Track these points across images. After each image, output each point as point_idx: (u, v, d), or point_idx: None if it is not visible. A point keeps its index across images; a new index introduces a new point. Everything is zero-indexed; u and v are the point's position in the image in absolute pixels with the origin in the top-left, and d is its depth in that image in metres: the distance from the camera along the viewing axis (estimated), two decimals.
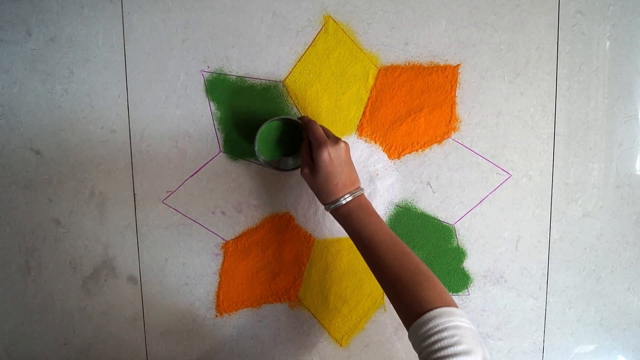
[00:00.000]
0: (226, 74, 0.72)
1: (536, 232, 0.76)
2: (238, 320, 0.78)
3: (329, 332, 0.78)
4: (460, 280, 0.77)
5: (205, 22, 0.71)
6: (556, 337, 0.78)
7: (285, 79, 0.73)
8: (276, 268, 0.76)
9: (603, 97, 0.73)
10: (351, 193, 0.63)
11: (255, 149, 0.68)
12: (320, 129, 0.64)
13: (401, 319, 0.57)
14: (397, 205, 0.75)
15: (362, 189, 0.65)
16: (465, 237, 0.76)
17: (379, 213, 0.75)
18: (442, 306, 0.52)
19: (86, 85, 0.72)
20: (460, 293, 0.77)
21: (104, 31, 0.71)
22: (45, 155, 0.74)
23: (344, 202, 0.62)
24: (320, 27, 0.72)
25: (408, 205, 0.75)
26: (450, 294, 0.76)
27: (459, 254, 0.76)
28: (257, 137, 0.68)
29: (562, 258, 0.77)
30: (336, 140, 0.63)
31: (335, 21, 0.72)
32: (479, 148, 0.74)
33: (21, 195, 0.74)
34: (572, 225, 0.76)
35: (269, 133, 0.70)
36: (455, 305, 0.54)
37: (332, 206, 0.63)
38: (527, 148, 0.74)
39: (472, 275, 0.77)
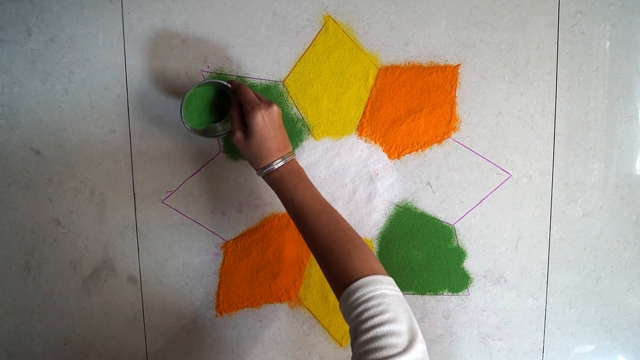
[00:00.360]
0: (226, 74, 0.72)
1: (536, 232, 0.76)
2: (238, 320, 0.78)
3: (329, 332, 0.78)
4: (460, 280, 0.77)
5: (205, 22, 0.71)
6: (556, 337, 0.78)
7: (285, 79, 0.73)
8: (276, 268, 0.76)
9: (603, 97, 0.73)
10: (283, 158, 0.63)
11: (182, 116, 0.65)
12: (252, 92, 0.63)
13: (332, 289, 0.57)
14: (397, 205, 0.75)
15: (293, 154, 0.64)
16: (465, 237, 0.76)
17: (379, 213, 0.75)
18: (369, 274, 0.52)
19: (86, 85, 0.72)
20: (460, 293, 0.77)
21: (104, 31, 0.71)
22: (45, 155, 0.74)
23: (276, 166, 0.62)
24: (320, 27, 0.72)
25: (408, 205, 0.75)
26: (451, 293, 0.77)
27: (459, 254, 0.76)
28: (183, 103, 0.65)
29: (562, 258, 0.77)
30: (269, 103, 0.62)
31: (335, 21, 0.72)
32: (479, 148, 0.74)
33: (21, 195, 0.74)
34: (572, 225, 0.76)
35: (195, 100, 0.67)
36: (383, 273, 0.54)
37: (265, 171, 0.63)
38: (527, 148, 0.74)
39: (472, 275, 0.77)
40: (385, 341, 0.47)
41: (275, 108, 0.62)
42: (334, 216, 0.60)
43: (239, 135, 0.62)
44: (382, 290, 0.51)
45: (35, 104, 0.73)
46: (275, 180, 0.62)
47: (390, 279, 0.53)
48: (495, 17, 0.72)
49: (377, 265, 0.55)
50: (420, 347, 0.48)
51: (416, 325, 0.50)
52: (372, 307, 0.49)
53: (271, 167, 0.62)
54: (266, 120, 0.61)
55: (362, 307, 0.50)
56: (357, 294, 0.51)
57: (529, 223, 0.76)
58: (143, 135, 0.73)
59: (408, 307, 0.51)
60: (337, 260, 0.55)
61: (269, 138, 0.61)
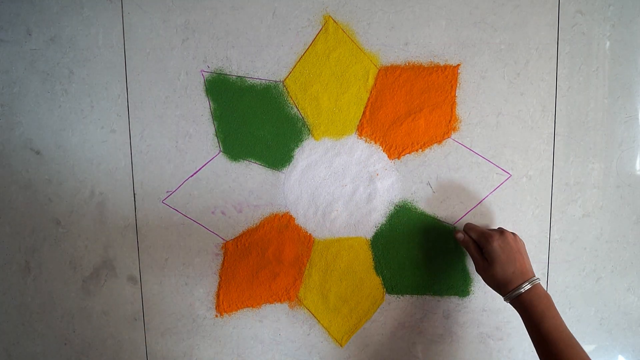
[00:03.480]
0: (226, 74, 0.72)
1: (536, 232, 0.76)
2: (238, 320, 0.78)
3: (329, 332, 0.78)
4: (460, 280, 0.76)
5: (205, 22, 0.71)
6: None
7: (285, 79, 0.73)
8: (276, 268, 0.76)
9: (603, 97, 0.73)
10: (530, 281, 0.64)
11: None
12: (479, 226, 0.70)
13: None
14: (397, 205, 0.75)
15: (538, 279, 0.66)
16: None
17: (379, 213, 0.75)
18: None
19: (86, 85, 0.72)
20: (459, 295, 0.77)
21: (104, 31, 0.71)
22: (45, 155, 0.74)
23: (523, 290, 0.63)
24: (320, 27, 0.72)
25: (408, 205, 0.75)
26: (450, 295, 0.77)
27: (459, 254, 0.76)
28: None
29: (562, 258, 0.77)
30: (500, 231, 0.67)
31: (335, 21, 0.72)
32: (479, 148, 0.74)
33: (21, 195, 0.74)
34: (572, 225, 0.76)
35: None
36: None
37: (513, 294, 0.64)
38: (527, 148, 0.74)
39: (472, 275, 0.77)
40: None
41: (507, 234, 0.67)
42: (579, 352, 0.59)
43: (482, 265, 0.67)
44: None
45: (35, 104, 0.73)
46: (523, 304, 0.63)
47: None
48: (495, 17, 0.72)
49: None
50: None
51: None
52: None
53: (518, 291, 0.64)
54: (502, 246, 0.66)
55: None
56: None
57: (529, 223, 0.76)
58: (143, 135, 0.73)
59: None
60: None
61: (510, 262, 0.65)
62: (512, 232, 0.68)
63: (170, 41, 0.72)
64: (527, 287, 0.64)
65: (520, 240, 0.69)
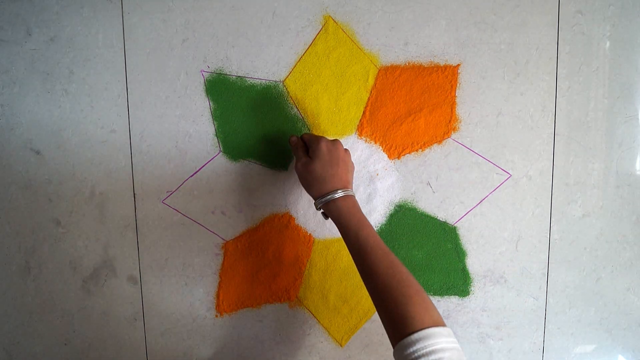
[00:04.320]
0: (226, 74, 0.72)
1: (536, 232, 0.76)
2: (238, 320, 0.78)
3: (329, 332, 0.78)
4: (460, 280, 0.77)
5: (205, 22, 0.71)
6: (556, 337, 0.78)
7: (285, 79, 0.73)
8: (276, 268, 0.76)
9: (603, 97, 0.73)
10: (343, 190, 0.63)
11: None
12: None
13: (387, 333, 0.55)
14: (397, 205, 0.75)
15: (353, 193, 0.65)
16: (465, 237, 0.76)
17: (379, 213, 0.75)
18: (429, 326, 0.51)
19: (86, 85, 0.72)
20: (460, 295, 0.77)
21: (104, 31, 0.71)
22: (45, 155, 0.74)
23: (337, 195, 0.62)
24: (320, 27, 0.72)
25: (408, 205, 0.75)
26: (450, 295, 0.77)
27: (459, 254, 0.76)
28: None
29: (562, 258, 0.77)
30: (334, 140, 0.66)
31: (335, 21, 0.72)
32: (479, 148, 0.74)
33: (21, 195, 0.74)
34: (572, 225, 0.76)
35: None
36: (442, 324, 0.53)
37: (326, 198, 0.62)
38: (527, 148, 0.74)
39: (472, 275, 0.77)
40: None
41: (338, 144, 0.66)
42: (395, 260, 0.58)
43: (303, 160, 0.65)
44: (442, 345, 0.50)
45: (35, 104, 0.73)
46: (341, 210, 0.62)
47: (449, 331, 0.52)
48: (495, 17, 0.72)
49: (437, 315, 0.54)
50: None
51: None
52: None
53: (331, 196, 0.62)
54: (330, 149, 0.64)
55: None
56: (417, 346, 0.50)
57: (529, 223, 0.76)
58: (143, 135, 0.73)
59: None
60: (397, 305, 0.54)
61: (333, 164, 0.63)
62: (346, 149, 0.67)
63: (170, 41, 0.72)
64: (340, 194, 0.62)
65: (350, 159, 0.68)
